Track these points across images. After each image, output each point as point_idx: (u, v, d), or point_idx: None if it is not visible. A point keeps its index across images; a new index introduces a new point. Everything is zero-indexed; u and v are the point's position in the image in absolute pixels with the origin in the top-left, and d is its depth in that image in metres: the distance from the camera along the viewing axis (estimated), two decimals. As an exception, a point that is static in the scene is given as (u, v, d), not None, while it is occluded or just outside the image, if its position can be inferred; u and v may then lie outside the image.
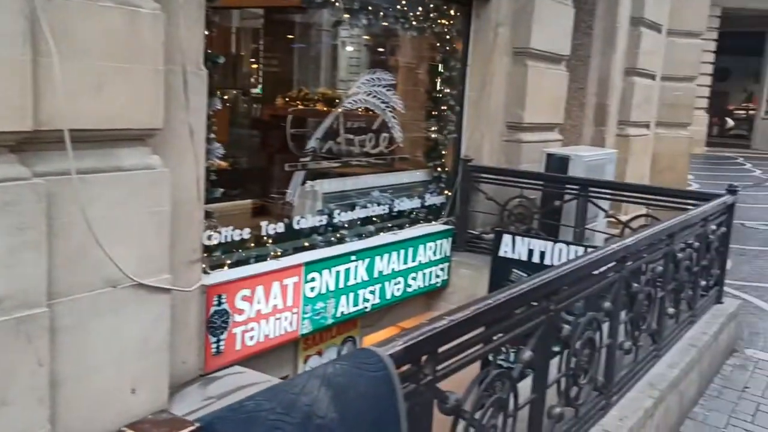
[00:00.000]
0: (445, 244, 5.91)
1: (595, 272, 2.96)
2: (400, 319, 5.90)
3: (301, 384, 1.36)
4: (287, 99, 5.35)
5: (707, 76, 23.01)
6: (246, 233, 4.23)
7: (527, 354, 2.36)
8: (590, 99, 8.63)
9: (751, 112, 28.28)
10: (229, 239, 4.12)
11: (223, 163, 4.95)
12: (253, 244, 4.32)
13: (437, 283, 5.87)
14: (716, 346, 4.75)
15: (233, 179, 4.66)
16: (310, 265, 4.48)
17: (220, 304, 3.85)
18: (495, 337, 2.13)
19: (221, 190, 3.99)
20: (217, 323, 3.85)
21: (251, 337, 4.08)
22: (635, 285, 3.39)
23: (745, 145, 25.84)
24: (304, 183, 4.86)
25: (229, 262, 4.11)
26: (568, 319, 2.84)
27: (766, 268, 8.32)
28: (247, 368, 3.99)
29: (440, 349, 1.87)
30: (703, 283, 4.84)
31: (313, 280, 4.50)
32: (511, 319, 2.22)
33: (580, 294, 2.79)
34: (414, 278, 5.54)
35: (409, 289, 5.51)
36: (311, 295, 4.51)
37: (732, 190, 5.17)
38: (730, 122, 30.20)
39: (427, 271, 5.69)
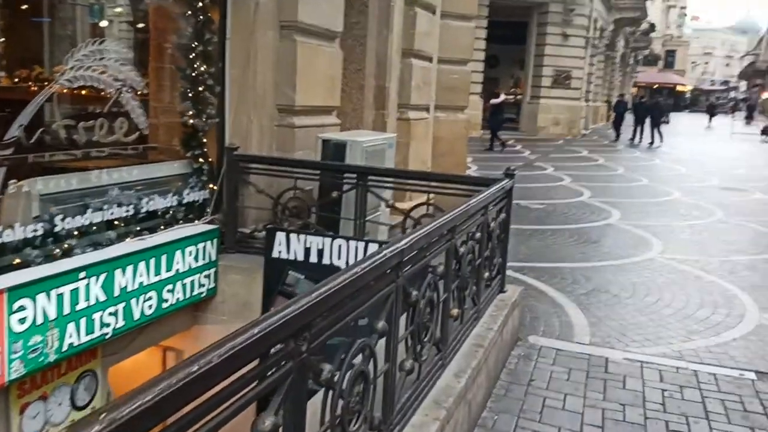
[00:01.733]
0: (210, 247, 5.08)
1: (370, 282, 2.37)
2: (160, 338, 5.01)
3: None
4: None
5: (480, 62, 24.32)
6: None
7: (268, 422, 1.68)
8: (369, 81, 8.19)
9: (518, 96, 30.43)
10: None
11: None
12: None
13: (202, 293, 5.03)
14: (501, 341, 4.48)
15: None
16: (17, 290, 3.44)
17: None
18: (205, 420, 1.41)
19: None
20: None
21: None
22: (414, 293, 2.87)
23: (515, 128, 27.75)
24: (6, 184, 3.76)
25: None
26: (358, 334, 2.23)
27: (541, 247, 8.54)
28: None
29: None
30: (487, 274, 4.54)
31: (21, 309, 3.45)
32: (234, 386, 1.52)
33: (345, 320, 2.17)
34: (170, 291, 4.65)
35: (165, 305, 4.61)
36: (20, 328, 3.46)
37: (510, 174, 4.94)
38: (502, 106, 32.28)
39: (187, 280, 4.82)
